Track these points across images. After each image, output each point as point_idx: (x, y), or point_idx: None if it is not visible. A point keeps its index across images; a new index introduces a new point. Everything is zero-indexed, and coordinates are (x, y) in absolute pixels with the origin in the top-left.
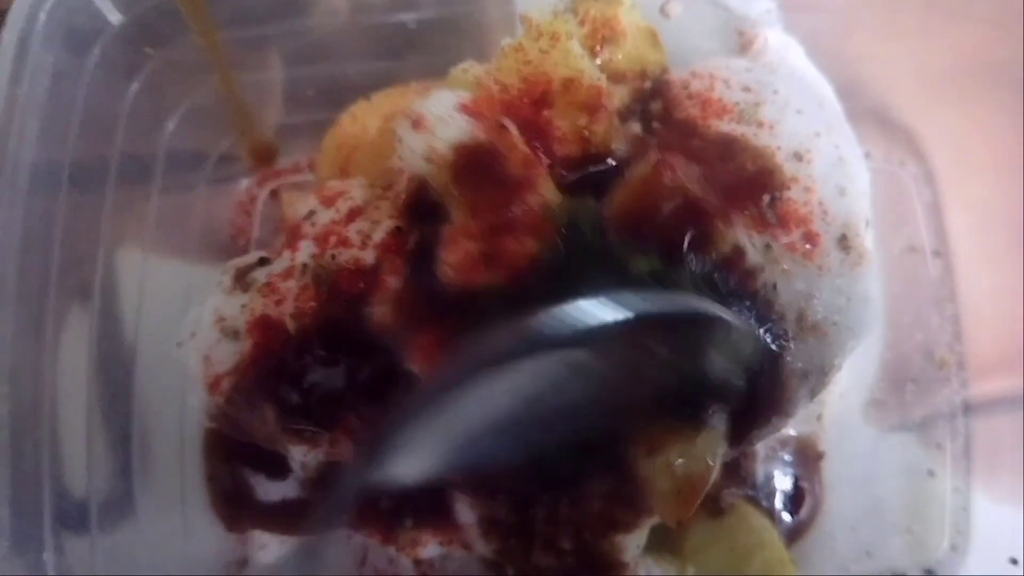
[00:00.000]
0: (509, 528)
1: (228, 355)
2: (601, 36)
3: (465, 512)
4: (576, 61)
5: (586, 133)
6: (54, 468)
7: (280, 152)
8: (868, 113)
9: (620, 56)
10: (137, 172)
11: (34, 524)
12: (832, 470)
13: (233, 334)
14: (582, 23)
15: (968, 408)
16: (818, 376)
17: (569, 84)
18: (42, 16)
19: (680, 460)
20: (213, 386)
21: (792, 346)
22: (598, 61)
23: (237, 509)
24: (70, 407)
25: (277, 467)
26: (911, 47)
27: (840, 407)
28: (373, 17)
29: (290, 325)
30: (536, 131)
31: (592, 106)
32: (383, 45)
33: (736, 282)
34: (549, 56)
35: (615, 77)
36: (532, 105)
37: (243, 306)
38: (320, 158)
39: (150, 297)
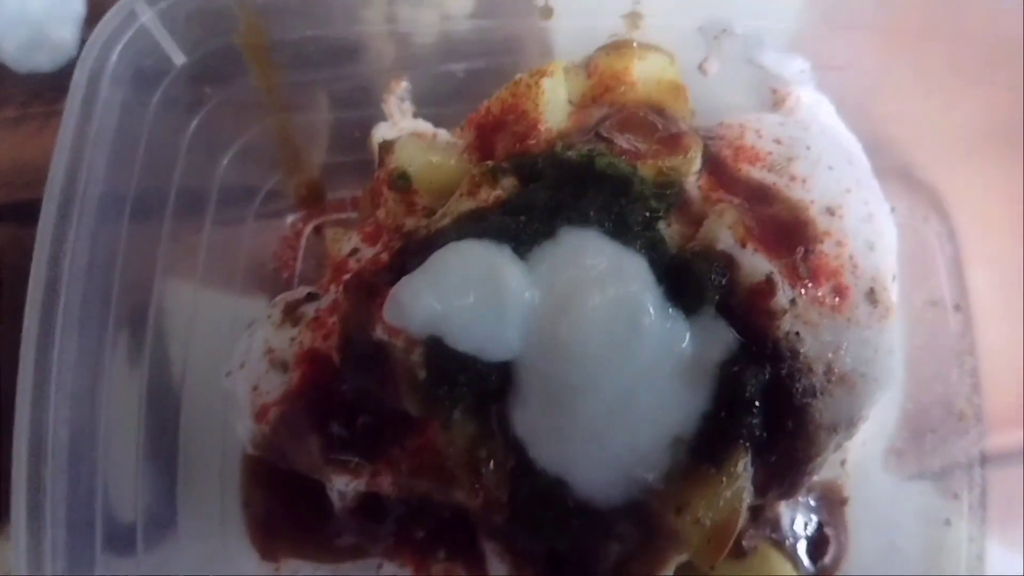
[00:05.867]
0: None
1: (276, 385)
2: (605, 86)
3: (495, 564)
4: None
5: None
6: (106, 491)
7: (326, 190)
8: (893, 170)
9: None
10: (192, 205)
11: (87, 546)
12: (853, 516)
13: (282, 366)
14: (590, 75)
15: (985, 459)
16: (846, 428)
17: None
18: (113, 57)
19: (708, 512)
20: (260, 415)
21: (821, 400)
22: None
23: (272, 537)
24: (122, 432)
25: (313, 496)
26: (936, 109)
27: (861, 455)
28: (423, 66)
29: (336, 358)
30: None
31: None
32: (430, 92)
33: (759, 317)
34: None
35: None
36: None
37: (292, 339)
38: (362, 197)
39: (198, 326)
